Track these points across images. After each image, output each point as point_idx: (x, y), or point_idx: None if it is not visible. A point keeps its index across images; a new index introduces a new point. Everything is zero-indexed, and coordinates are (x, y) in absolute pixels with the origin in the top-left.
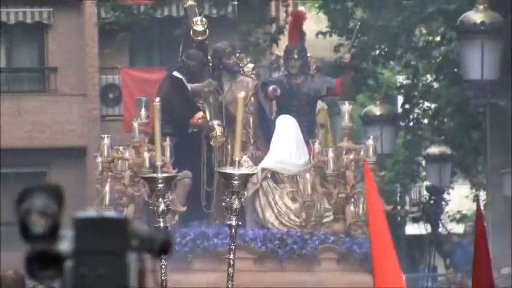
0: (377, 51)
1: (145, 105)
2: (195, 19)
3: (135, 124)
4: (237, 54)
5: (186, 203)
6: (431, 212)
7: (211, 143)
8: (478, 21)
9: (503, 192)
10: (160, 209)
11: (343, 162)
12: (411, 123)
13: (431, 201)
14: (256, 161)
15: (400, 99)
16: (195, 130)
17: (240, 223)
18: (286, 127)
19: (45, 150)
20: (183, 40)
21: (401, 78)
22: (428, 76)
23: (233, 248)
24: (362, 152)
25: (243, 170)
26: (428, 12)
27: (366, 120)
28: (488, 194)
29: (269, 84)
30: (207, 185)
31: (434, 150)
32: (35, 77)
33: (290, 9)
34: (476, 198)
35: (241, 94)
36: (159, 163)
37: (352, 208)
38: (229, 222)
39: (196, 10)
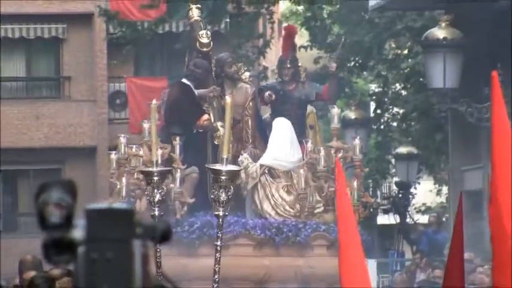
0: (352, 63)
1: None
2: (200, 32)
3: (146, 125)
4: (239, 64)
5: (193, 195)
6: (400, 204)
7: (215, 142)
8: (441, 36)
9: (463, 187)
10: (156, 199)
11: (333, 159)
12: (382, 126)
13: (400, 195)
14: (255, 158)
15: (372, 105)
16: (200, 131)
17: (227, 213)
18: (282, 128)
19: (60, 150)
20: (188, 51)
21: (373, 87)
22: (397, 85)
23: (220, 235)
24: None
25: (230, 167)
26: (397, 29)
27: (344, 123)
28: (450, 189)
29: (265, 90)
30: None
31: (402, 150)
32: (51, 84)
33: (275, 26)
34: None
35: (228, 99)
36: (155, 159)
37: None
38: (216, 213)
39: (201, 24)
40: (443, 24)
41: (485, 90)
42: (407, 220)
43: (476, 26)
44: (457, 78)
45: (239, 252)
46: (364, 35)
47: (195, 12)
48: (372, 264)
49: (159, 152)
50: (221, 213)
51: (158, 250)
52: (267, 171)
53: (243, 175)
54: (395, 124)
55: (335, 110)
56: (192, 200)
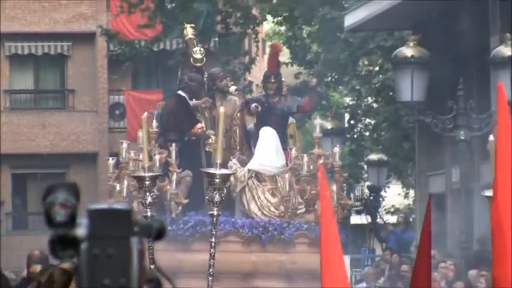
0: (329, 78)
1: (155, 118)
2: (194, 49)
3: (140, 133)
4: (227, 78)
5: (187, 196)
6: (371, 206)
7: (207, 148)
8: (409, 55)
9: (428, 190)
10: (147, 202)
11: (315, 165)
12: (355, 136)
13: (371, 198)
14: (242, 163)
15: (347, 116)
16: (193, 138)
17: (220, 213)
18: (268, 137)
19: (64, 155)
20: (181, 66)
21: (347, 100)
22: (369, 98)
23: (214, 233)
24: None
25: (223, 171)
26: (369, 48)
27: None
28: (417, 192)
29: (251, 102)
30: (203, 182)
31: (373, 157)
32: (57, 96)
33: (260, 44)
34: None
35: (221, 109)
36: (146, 165)
37: None
38: (211, 212)
39: (195, 42)
40: (411, 44)
41: (449, 103)
42: (378, 220)
43: (440, 45)
44: (424, 92)
45: (229, 249)
46: (339, 53)
47: (189, 31)
48: (345, 260)
49: (157, 156)
50: (215, 213)
51: (151, 247)
52: (254, 176)
53: (232, 179)
54: (367, 134)
55: (317, 121)
56: (186, 201)
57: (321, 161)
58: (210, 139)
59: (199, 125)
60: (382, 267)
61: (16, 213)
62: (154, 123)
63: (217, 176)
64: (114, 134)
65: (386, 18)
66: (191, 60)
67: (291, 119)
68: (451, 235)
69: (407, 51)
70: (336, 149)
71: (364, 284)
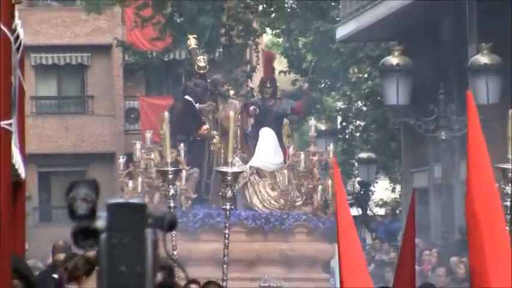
0: (322, 85)
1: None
2: (198, 57)
3: (148, 135)
4: (228, 83)
5: (195, 191)
6: (362, 199)
7: (211, 148)
8: (394, 63)
9: (413, 185)
10: (170, 193)
11: (311, 162)
12: (347, 136)
13: (362, 192)
14: (243, 161)
15: (339, 119)
16: (198, 138)
17: (232, 207)
18: (267, 137)
19: (85, 155)
20: (185, 73)
21: (339, 104)
22: (359, 102)
23: (227, 225)
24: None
25: (235, 169)
26: (359, 57)
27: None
28: (402, 187)
29: (250, 105)
30: (207, 178)
31: (363, 155)
32: (78, 102)
33: (260, 54)
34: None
35: (231, 114)
36: (169, 160)
37: (317, 195)
38: (224, 207)
39: (198, 51)
40: (396, 53)
41: (431, 107)
42: (368, 212)
43: (422, 54)
44: (408, 97)
45: (234, 238)
46: (332, 62)
47: (192, 41)
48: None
49: (169, 153)
50: (228, 207)
51: (174, 236)
52: (255, 172)
53: None
54: (357, 134)
55: (312, 122)
56: (194, 195)
57: (315, 158)
58: (214, 139)
59: (204, 127)
60: (372, 255)
61: (42, 207)
62: (165, 125)
63: (229, 174)
64: (130, 136)
65: (374, 31)
66: (195, 67)
67: (285, 120)
68: (434, 225)
69: (393, 60)
70: (330, 147)
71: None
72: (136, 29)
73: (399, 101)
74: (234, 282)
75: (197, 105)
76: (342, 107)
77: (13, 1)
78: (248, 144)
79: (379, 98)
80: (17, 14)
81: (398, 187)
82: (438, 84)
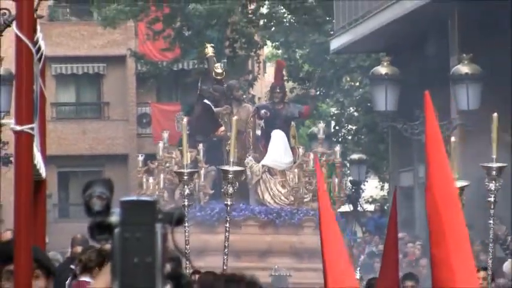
0: (318, 92)
1: (186, 122)
2: (216, 65)
3: (165, 135)
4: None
5: (212, 188)
6: (353, 196)
7: (226, 148)
8: (383, 72)
9: (399, 184)
10: (185, 193)
11: (319, 162)
12: (340, 139)
13: (353, 190)
14: (256, 160)
15: (333, 123)
16: (214, 139)
17: (233, 203)
18: (278, 138)
19: (101, 156)
20: (201, 79)
21: (333, 110)
22: (351, 108)
23: (228, 219)
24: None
25: (236, 168)
26: (351, 67)
27: (310, 137)
28: (390, 185)
29: (261, 109)
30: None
31: (355, 156)
32: (94, 108)
33: (261, 65)
34: (393, 189)
35: (234, 118)
36: (185, 162)
37: None
38: (225, 202)
39: (214, 59)
40: (385, 63)
41: (416, 112)
42: (359, 208)
43: (409, 65)
44: (395, 103)
45: (248, 231)
46: (326, 71)
47: (209, 50)
48: None
49: (188, 155)
50: (229, 203)
51: (187, 230)
52: (267, 170)
53: (248, 172)
54: (349, 137)
55: (320, 125)
56: (212, 191)
57: (323, 158)
58: (230, 140)
59: (222, 128)
60: (363, 247)
61: (61, 204)
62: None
63: (231, 172)
64: (142, 139)
65: (364, 43)
66: (213, 74)
67: (292, 123)
68: (419, 220)
69: (382, 69)
70: (337, 149)
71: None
72: (148, 41)
73: (387, 107)
74: (246, 271)
75: (215, 109)
76: (336, 112)
77: (35, 16)
78: (259, 144)
79: (369, 104)
80: (38, 27)
81: (386, 185)
82: (423, 92)
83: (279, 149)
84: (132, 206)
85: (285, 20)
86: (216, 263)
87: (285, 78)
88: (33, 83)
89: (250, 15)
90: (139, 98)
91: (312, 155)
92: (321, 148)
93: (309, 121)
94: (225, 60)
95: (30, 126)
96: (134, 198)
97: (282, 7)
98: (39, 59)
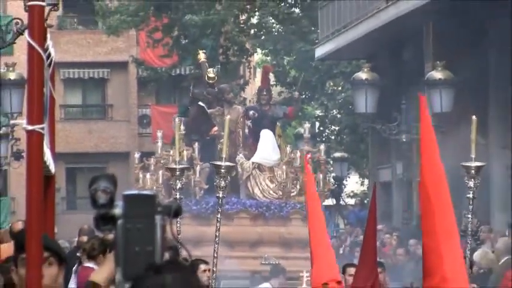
0: (303, 96)
1: (183, 123)
2: (209, 69)
3: (159, 134)
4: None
5: (207, 183)
6: (336, 191)
7: (219, 146)
8: (364, 78)
9: (378, 179)
10: (178, 187)
11: (305, 159)
12: (324, 139)
13: (336, 185)
14: (245, 157)
15: (317, 124)
16: (207, 138)
17: (225, 196)
18: (267, 137)
19: (105, 154)
20: (193, 83)
21: (318, 112)
22: (334, 110)
23: (220, 210)
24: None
25: (227, 163)
26: (334, 73)
27: (296, 137)
28: (370, 181)
29: (249, 110)
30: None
31: (337, 154)
32: (99, 110)
33: (252, 70)
34: (372, 185)
35: (227, 117)
36: (177, 159)
37: None
38: (217, 195)
39: (206, 64)
40: (365, 70)
41: (394, 114)
42: (341, 202)
43: (387, 71)
44: (375, 106)
45: (240, 223)
46: (311, 76)
47: (202, 56)
48: None
49: (185, 152)
50: (221, 195)
51: (178, 222)
52: (256, 167)
53: (239, 169)
54: (333, 137)
55: (306, 125)
56: (206, 186)
57: (309, 156)
58: (222, 139)
59: (215, 128)
60: (345, 237)
61: (69, 197)
62: (182, 127)
63: (223, 167)
64: (142, 138)
65: (346, 51)
66: (206, 78)
67: (277, 123)
68: (396, 213)
69: (363, 75)
70: (322, 147)
71: None
72: (149, 48)
73: (367, 110)
74: (239, 260)
75: (208, 110)
76: (320, 114)
77: (45, 25)
78: (248, 143)
79: (350, 107)
80: (48, 35)
81: (366, 181)
82: (400, 96)
83: (267, 147)
84: (133, 199)
85: (273, 30)
86: (211, 252)
87: (273, 82)
88: (44, 86)
89: (241, 25)
90: (140, 101)
91: (298, 153)
92: (307, 146)
93: (295, 122)
94: (219, 66)
95: (40, 126)
96: (136, 192)
97: (271, 18)
98: (49, 65)
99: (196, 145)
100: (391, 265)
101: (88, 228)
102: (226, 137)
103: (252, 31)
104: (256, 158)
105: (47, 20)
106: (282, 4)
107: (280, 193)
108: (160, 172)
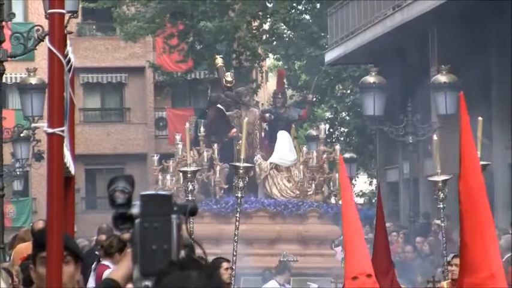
0: (314, 99)
1: (203, 125)
2: (226, 73)
3: (177, 137)
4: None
5: (226, 183)
6: None
7: (237, 147)
8: (372, 81)
9: (386, 180)
10: (189, 189)
11: (321, 159)
12: (333, 140)
13: None
14: (263, 158)
15: (327, 126)
16: (226, 139)
17: (244, 196)
18: (284, 138)
19: (123, 155)
20: (211, 87)
21: (327, 114)
22: (343, 113)
23: (238, 210)
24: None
25: (245, 164)
26: (343, 77)
27: (308, 138)
28: (378, 181)
29: (265, 112)
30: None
31: (346, 155)
32: (117, 113)
33: (264, 74)
34: (377, 185)
35: (245, 120)
36: (189, 161)
37: (326, 186)
38: (236, 195)
39: (224, 69)
40: (373, 74)
41: (401, 116)
42: None
43: (394, 75)
44: (383, 108)
45: (258, 221)
46: (321, 80)
47: (219, 60)
48: None
49: (205, 153)
50: (239, 195)
51: (191, 222)
52: (274, 167)
53: (257, 169)
54: (342, 139)
55: (322, 126)
56: (226, 186)
57: (324, 156)
58: (240, 140)
59: (234, 130)
60: None
61: (88, 197)
62: (202, 129)
63: (241, 168)
64: (159, 140)
65: (355, 55)
66: (223, 81)
67: (292, 125)
68: (403, 212)
69: (371, 79)
70: (337, 147)
71: (340, 248)
72: (165, 54)
73: (375, 112)
74: (258, 257)
75: (227, 113)
76: (330, 116)
77: (65, 32)
78: (265, 144)
79: (359, 109)
80: (68, 42)
81: (374, 181)
82: (406, 99)
83: (284, 148)
84: (150, 199)
85: (284, 35)
86: (231, 250)
87: (285, 86)
88: (64, 90)
89: (254, 31)
90: (156, 104)
91: (314, 153)
92: (323, 147)
93: (306, 124)
94: (232, 71)
95: (61, 129)
96: (153, 192)
97: (283, 24)
98: (69, 70)
99: (215, 146)
100: (400, 262)
101: (107, 227)
102: (244, 139)
103: (264, 37)
104: (274, 158)
105: (66, 27)
106: (293, 11)
107: (297, 192)
108: (181, 174)
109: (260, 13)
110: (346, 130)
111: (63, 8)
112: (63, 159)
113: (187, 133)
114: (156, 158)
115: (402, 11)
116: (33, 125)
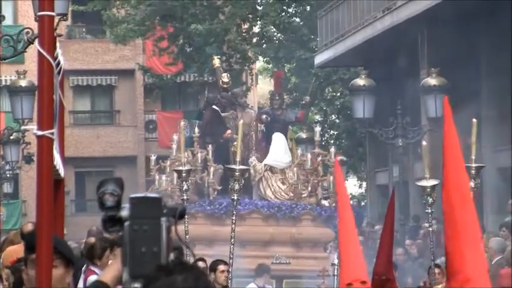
0: (303, 102)
1: (198, 126)
2: (223, 74)
3: (175, 137)
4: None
5: (220, 184)
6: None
7: (232, 149)
8: (361, 84)
9: (376, 182)
10: (184, 188)
11: (316, 161)
12: (323, 143)
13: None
14: (258, 160)
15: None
16: (221, 141)
17: (239, 198)
18: (279, 140)
19: (112, 158)
20: (207, 88)
21: (317, 117)
22: (333, 116)
23: (234, 212)
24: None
25: (241, 166)
26: (333, 79)
27: (298, 141)
28: (367, 183)
29: (262, 114)
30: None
31: (337, 158)
32: (107, 115)
33: (254, 77)
34: (392, 189)
35: (241, 122)
36: (183, 160)
37: (320, 189)
38: (232, 197)
39: (221, 69)
40: (363, 76)
41: (390, 119)
42: None
43: (384, 77)
44: (372, 111)
45: (252, 223)
46: (311, 83)
47: (216, 61)
48: None
49: (199, 154)
50: (235, 197)
51: (186, 223)
52: (268, 169)
53: (252, 171)
54: (332, 141)
55: (317, 128)
56: (220, 187)
57: (319, 158)
58: (235, 142)
59: (229, 131)
60: None
61: (77, 200)
62: (196, 130)
63: (237, 170)
64: (148, 143)
65: (345, 58)
66: (220, 82)
67: (289, 127)
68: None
69: (360, 81)
70: (332, 150)
71: (336, 254)
72: (154, 56)
73: (365, 115)
74: (251, 259)
75: (222, 114)
76: (319, 119)
77: (55, 34)
78: (261, 146)
79: (349, 112)
80: (58, 44)
81: (364, 184)
82: (396, 101)
83: (279, 150)
84: (140, 201)
85: (274, 38)
86: (224, 251)
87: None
88: (53, 93)
89: (244, 34)
90: (146, 107)
91: (309, 155)
92: (317, 149)
93: (296, 127)
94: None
95: (50, 131)
96: (142, 194)
97: (272, 27)
98: (59, 72)
99: (210, 147)
100: None
101: (96, 230)
102: (239, 141)
103: (254, 40)
104: (268, 160)
105: (56, 29)
106: (283, 14)
107: (292, 194)
108: (175, 174)
109: (250, 16)
110: (335, 133)
111: (53, 11)
112: (52, 161)
113: (182, 133)
114: (153, 158)
115: (392, 13)
116: (22, 127)
